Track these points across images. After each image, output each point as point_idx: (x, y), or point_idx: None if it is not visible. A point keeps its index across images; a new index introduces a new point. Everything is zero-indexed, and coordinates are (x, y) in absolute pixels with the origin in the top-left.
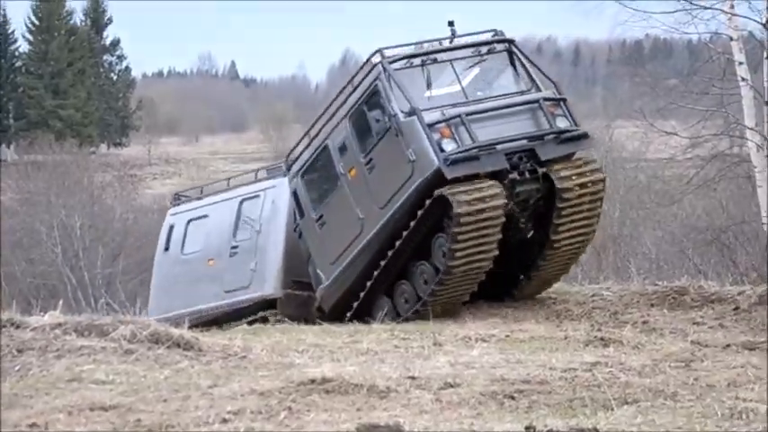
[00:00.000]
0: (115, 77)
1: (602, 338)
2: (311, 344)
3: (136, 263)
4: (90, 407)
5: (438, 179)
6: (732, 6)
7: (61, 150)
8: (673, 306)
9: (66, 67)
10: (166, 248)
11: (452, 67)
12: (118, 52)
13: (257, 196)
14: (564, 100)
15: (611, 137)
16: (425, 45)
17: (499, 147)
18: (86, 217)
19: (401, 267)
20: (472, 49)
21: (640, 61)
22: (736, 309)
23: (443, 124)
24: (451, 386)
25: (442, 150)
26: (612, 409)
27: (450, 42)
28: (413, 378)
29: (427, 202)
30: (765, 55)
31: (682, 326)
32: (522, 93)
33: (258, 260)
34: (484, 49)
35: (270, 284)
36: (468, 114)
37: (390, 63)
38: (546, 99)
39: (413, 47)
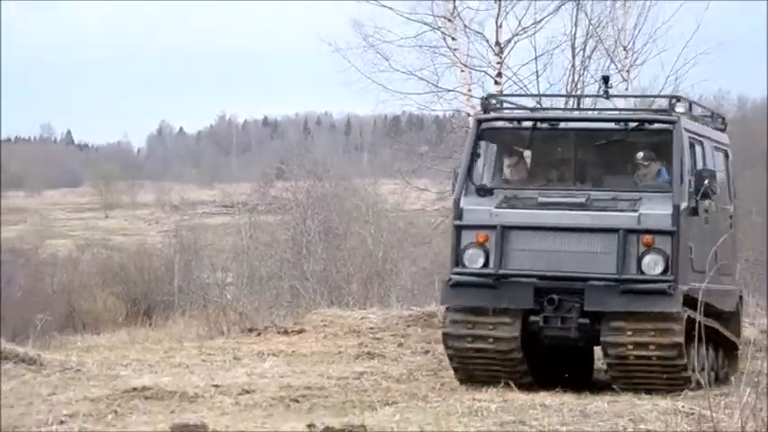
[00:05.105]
0: None
1: (368, 353)
2: (134, 359)
3: None
4: None
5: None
6: (470, 90)
7: None
8: (424, 326)
9: None
10: None
11: (574, 138)
12: None
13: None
14: (672, 233)
15: (376, 192)
16: (554, 101)
17: (531, 281)
18: None
19: None
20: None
21: (398, 132)
22: None
23: (483, 231)
24: (248, 392)
25: (458, 263)
26: (377, 410)
27: (606, 98)
28: (216, 386)
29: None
30: None
31: (431, 342)
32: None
33: None
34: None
35: None
36: (509, 228)
37: (488, 120)
38: (641, 231)
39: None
